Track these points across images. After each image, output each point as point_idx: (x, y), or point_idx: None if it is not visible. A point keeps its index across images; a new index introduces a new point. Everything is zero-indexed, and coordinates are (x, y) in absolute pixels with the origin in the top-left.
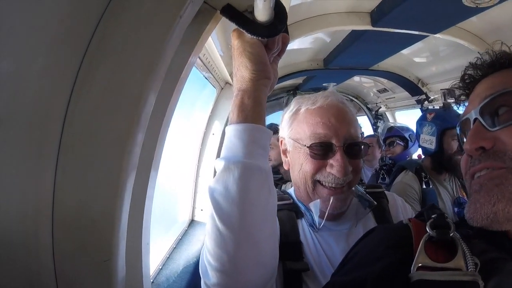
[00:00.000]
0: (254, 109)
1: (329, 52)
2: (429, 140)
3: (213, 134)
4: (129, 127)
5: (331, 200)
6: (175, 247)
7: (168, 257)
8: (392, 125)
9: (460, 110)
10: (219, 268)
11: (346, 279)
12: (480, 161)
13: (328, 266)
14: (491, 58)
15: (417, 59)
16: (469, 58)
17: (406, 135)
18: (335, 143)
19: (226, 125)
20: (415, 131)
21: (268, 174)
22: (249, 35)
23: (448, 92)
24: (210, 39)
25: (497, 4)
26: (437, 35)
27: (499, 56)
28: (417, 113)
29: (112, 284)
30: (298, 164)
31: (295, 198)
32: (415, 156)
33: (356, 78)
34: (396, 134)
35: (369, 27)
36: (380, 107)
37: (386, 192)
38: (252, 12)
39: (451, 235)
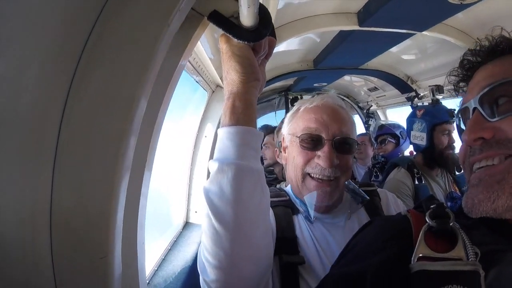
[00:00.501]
0: (245, 112)
1: (319, 53)
2: (419, 136)
3: (206, 136)
4: (123, 128)
5: (318, 191)
6: (170, 249)
7: (164, 259)
8: (383, 123)
9: (449, 103)
10: (216, 265)
11: (345, 271)
12: (482, 151)
13: (324, 260)
14: (490, 43)
15: (405, 57)
16: (457, 54)
17: (397, 132)
18: (324, 137)
19: (218, 127)
20: (406, 128)
21: (260, 174)
22: (236, 39)
23: (436, 88)
24: (199, 43)
25: (481, 0)
26: (424, 33)
27: (499, 41)
28: (408, 110)
29: (108, 281)
30: (292, 157)
31: (292, 195)
32: (407, 153)
33: (347, 78)
34: (387, 132)
35: (357, 27)
36: (371, 106)
37: (378, 189)
38: (237, 17)
39: (451, 224)
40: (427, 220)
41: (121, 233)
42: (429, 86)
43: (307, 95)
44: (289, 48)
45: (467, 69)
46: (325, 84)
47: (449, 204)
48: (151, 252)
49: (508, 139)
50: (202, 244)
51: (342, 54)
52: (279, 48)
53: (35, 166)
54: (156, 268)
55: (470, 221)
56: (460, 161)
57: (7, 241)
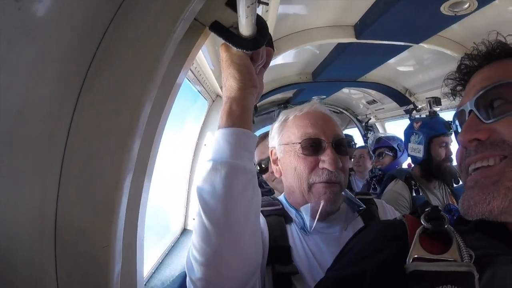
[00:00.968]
0: (242, 115)
1: (317, 65)
2: (417, 149)
3: (205, 145)
4: (130, 128)
5: (326, 193)
6: (167, 254)
7: (161, 262)
8: (380, 136)
9: (448, 115)
10: (203, 262)
11: (342, 274)
12: (477, 152)
13: (318, 270)
14: (487, 48)
15: (403, 69)
16: (454, 66)
17: (395, 145)
18: (324, 139)
19: None
20: (403, 140)
21: (253, 174)
22: (235, 48)
23: (433, 100)
24: (201, 54)
25: (475, 11)
26: (421, 45)
27: (495, 46)
28: (406, 122)
29: (109, 270)
30: (291, 168)
31: (285, 204)
32: (405, 165)
33: (345, 90)
34: (384, 145)
35: (354, 40)
36: (370, 119)
37: (375, 199)
38: (237, 27)
39: (445, 226)
40: (422, 222)
41: (123, 226)
42: (426, 98)
43: None
44: (287, 60)
45: (464, 74)
46: (324, 96)
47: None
48: (149, 255)
49: (503, 141)
50: (191, 243)
51: (340, 67)
52: (278, 60)
53: (44, 163)
54: (153, 271)
55: (466, 227)
56: (457, 164)
57: (15, 228)
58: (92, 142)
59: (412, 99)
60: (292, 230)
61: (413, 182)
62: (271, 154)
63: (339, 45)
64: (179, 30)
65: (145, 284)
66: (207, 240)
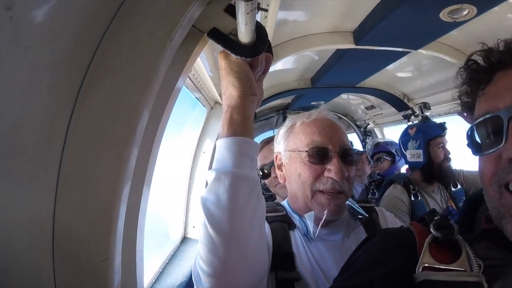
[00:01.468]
0: (243, 124)
1: (316, 71)
2: (416, 154)
3: (204, 152)
4: (127, 136)
5: (330, 205)
6: (168, 263)
7: (162, 272)
8: (378, 141)
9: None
10: (211, 273)
11: (350, 283)
12: None
13: (321, 277)
14: (506, 44)
15: (401, 75)
16: (452, 72)
17: (393, 150)
18: (331, 149)
19: None
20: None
21: (256, 183)
22: (234, 55)
23: (424, 106)
24: (199, 61)
25: (474, 18)
26: (420, 51)
27: None
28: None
29: (108, 283)
30: (296, 174)
31: (289, 210)
32: (403, 170)
33: (344, 96)
34: (382, 150)
35: (352, 46)
36: (369, 124)
37: (376, 207)
38: (236, 34)
39: (455, 236)
40: (432, 230)
41: (121, 238)
42: (416, 104)
43: None
44: (287, 66)
45: (483, 71)
46: (323, 102)
47: None
48: (149, 265)
49: None
50: (197, 253)
51: (339, 73)
52: (277, 66)
53: (41, 173)
54: (154, 281)
55: (471, 235)
56: (483, 177)
57: (13, 240)
58: (89, 152)
59: (410, 104)
60: (296, 237)
61: (411, 187)
62: (276, 159)
63: (338, 51)
64: (177, 37)
65: None
66: (213, 250)
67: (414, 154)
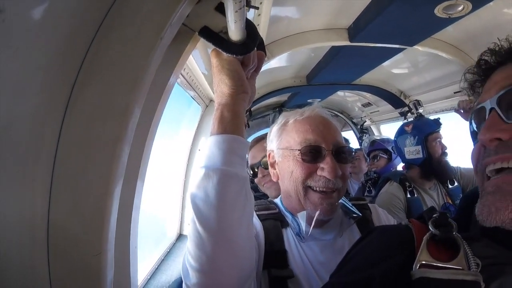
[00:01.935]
0: (233, 122)
1: (311, 69)
2: (415, 151)
3: (199, 150)
4: (118, 134)
5: (323, 204)
6: (163, 259)
7: (157, 268)
8: (375, 138)
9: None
10: (198, 268)
11: (348, 280)
12: (497, 152)
13: (313, 274)
14: (511, 44)
15: (398, 72)
16: (448, 68)
17: (389, 148)
18: (325, 147)
19: None
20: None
21: (245, 181)
22: (225, 53)
23: (417, 103)
24: (192, 59)
25: (469, 14)
26: (415, 47)
27: None
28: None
29: (101, 278)
30: (288, 172)
31: (282, 208)
32: (399, 168)
33: (340, 93)
34: (378, 147)
35: (347, 43)
36: (365, 121)
37: (369, 204)
38: (226, 32)
39: (454, 233)
40: (430, 228)
41: (115, 234)
42: (410, 101)
43: None
44: (282, 64)
45: (484, 69)
46: (319, 100)
47: None
48: (145, 261)
49: None
50: (186, 250)
51: (334, 70)
52: (272, 64)
53: (35, 171)
54: (149, 277)
55: (471, 232)
56: (472, 163)
57: (7, 237)
58: (82, 150)
59: (406, 101)
60: (288, 235)
61: (407, 184)
62: (269, 157)
63: (333, 48)
64: (167, 35)
65: None
66: (201, 246)
67: (413, 150)
